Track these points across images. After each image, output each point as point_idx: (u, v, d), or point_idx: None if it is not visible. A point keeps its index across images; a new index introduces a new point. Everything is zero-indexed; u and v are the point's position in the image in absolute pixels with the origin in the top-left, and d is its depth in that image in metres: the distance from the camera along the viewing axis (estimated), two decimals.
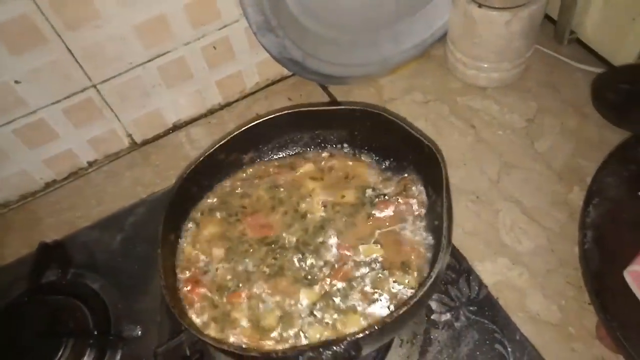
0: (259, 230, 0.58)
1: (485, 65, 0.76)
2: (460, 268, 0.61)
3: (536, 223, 0.65)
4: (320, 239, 0.56)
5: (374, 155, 0.63)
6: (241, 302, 0.52)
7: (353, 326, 0.50)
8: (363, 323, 0.50)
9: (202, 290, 0.53)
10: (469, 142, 0.74)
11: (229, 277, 0.54)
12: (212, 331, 0.51)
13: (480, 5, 0.70)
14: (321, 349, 0.42)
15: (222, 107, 0.84)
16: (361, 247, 0.55)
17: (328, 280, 0.53)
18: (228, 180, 0.62)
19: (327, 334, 0.50)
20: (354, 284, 0.52)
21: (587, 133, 0.72)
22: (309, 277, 0.53)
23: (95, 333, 0.59)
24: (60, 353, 0.55)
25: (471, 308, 0.58)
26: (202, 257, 0.56)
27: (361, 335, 0.43)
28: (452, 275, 0.61)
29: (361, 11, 0.77)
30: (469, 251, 0.63)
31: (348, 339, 0.43)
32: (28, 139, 0.70)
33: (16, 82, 0.64)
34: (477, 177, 0.70)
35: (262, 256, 0.55)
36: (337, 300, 0.52)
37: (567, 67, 0.79)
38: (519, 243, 0.63)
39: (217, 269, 0.55)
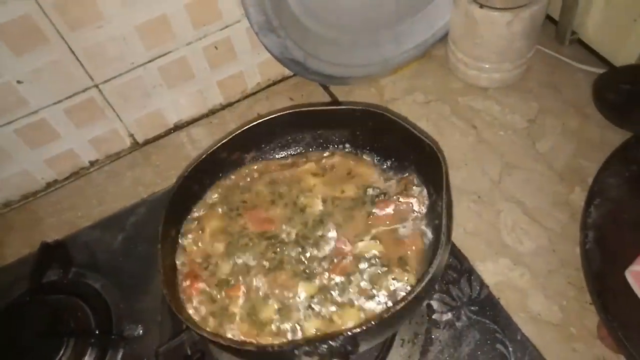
0: (260, 224, 0.58)
1: (487, 66, 0.76)
2: (462, 268, 0.61)
3: (537, 223, 0.65)
4: (320, 233, 0.56)
5: (375, 156, 0.63)
6: (240, 296, 0.53)
7: (350, 320, 0.50)
8: (361, 316, 0.50)
9: (201, 285, 0.54)
10: (470, 143, 0.74)
11: (228, 271, 0.55)
12: (210, 326, 0.51)
13: (481, 6, 0.70)
14: (317, 344, 0.42)
15: (223, 107, 0.84)
16: (360, 243, 0.55)
17: (327, 274, 0.53)
18: (229, 177, 0.63)
19: (324, 327, 0.50)
20: (353, 278, 0.53)
21: (589, 133, 0.72)
22: (308, 271, 0.54)
23: (97, 332, 0.59)
24: (61, 352, 0.55)
25: (472, 308, 0.58)
26: (203, 252, 0.57)
27: (358, 330, 0.43)
28: (453, 275, 0.61)
29: (362, 11, 0.77)
30: (471, 251, 0.63)
31: (344, 334, 0.43)
32: (29, 139, 0.70)
33: (18, 82, 0.64)
34: (478, 177, 0.70)
35: (262, 250, 0.56)
36: (334, 294, 0.52)
37: (568, 67, 0.79)
38: (521, 243, 0.63)
39: (217, 263, 0.55)
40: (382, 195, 0.58)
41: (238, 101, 0.85)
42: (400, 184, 0.59)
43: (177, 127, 0.82)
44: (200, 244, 0.57)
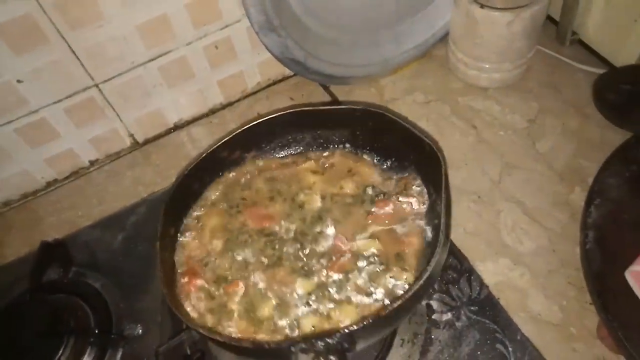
0: (259, 221, 0.58)
1: (487, 66, 0.76)
2: (462, 268, 0.61)
3: (537, 223, 0.65)
4: (318, 229, 0.56)
5: (375, 155, 0.63)
6: (238, 292, 0.53)
7: (348, 317, 0.50)
8: (359, 313, 0.50)
9: (200, 281, 0.54)
10: (470, 143, 0.74)
11: (227, 268, 0.55)
12: (208, 323, 0.51)
13: (482, 6, 0.70)
14: (314, 341, 0.42)
15: (223, 107, 0.84)
16: (359, 241, 0.55)
17: (325, 271, 0.53)
18: (229, 175, 0.63)
19: (321, 324, 0.50)
20: (351, 276, 0.53)
21: (589, 133, 0.72)
22: (307, 267, 0.54)
23: (97, 332, 0.59)
24: (61, 352, 0.55)
25: (472, 308, 0.58)
26: (202, 249, 0.57)
27: (355, 327, 0.43)
28: (453, 275, 0.61)
29: (362, 11, 0.77)
30: (470, 251, 0.63)
31: (341, 331, 0.42)
32: (30, 138, 0.71)
33: (18, 81, 0.64)
34: (478, 177, 0.70)
35: (261, 247, 0.56)
36: (332, 291, 0.52)
37: (568, 67, 0.80)
38: (520, 243, 0.63)
39: (216, 260, 0.55)
40: (382, 195, 0.58)
41: (238, 101, 0.85)
42: (400, 184, 0.59)
43: (177, 127, 0.82)
44: (199, 241, 0.57)
